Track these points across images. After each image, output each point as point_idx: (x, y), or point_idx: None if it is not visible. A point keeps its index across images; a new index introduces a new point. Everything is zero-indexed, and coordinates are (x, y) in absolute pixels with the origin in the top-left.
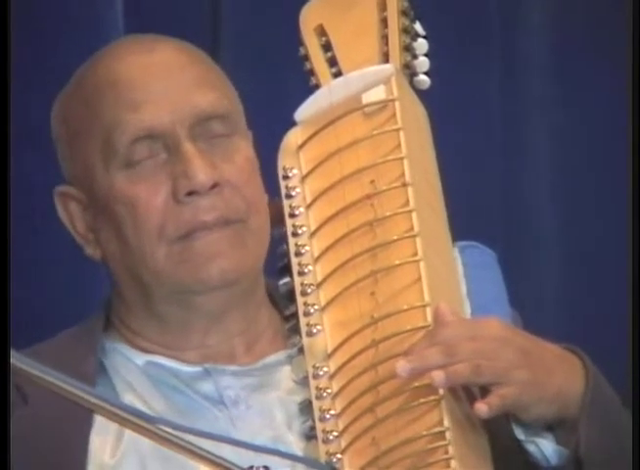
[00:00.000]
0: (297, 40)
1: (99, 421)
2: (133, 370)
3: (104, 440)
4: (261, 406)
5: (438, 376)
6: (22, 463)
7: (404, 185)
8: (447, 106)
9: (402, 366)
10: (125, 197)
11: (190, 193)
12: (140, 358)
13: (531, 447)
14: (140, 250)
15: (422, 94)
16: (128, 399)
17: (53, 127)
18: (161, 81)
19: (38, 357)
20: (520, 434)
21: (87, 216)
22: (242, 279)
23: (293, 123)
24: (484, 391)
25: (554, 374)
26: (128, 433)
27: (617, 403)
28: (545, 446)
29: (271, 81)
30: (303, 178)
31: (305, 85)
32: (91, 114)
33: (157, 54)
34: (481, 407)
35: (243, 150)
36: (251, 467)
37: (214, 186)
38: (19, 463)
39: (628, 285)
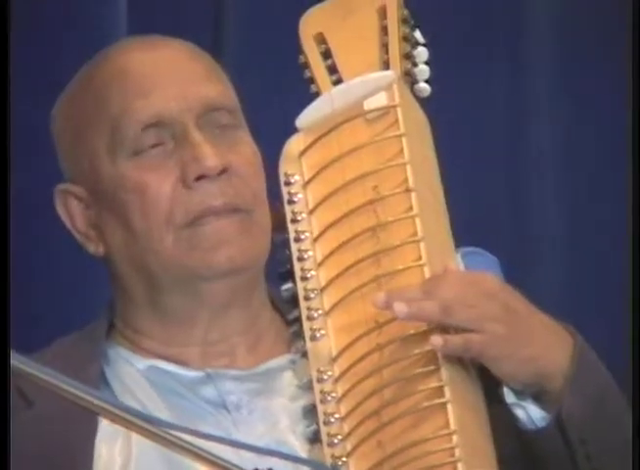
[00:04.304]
0: (299, 44)
1: (104, 424)
2: (134, 375)
3: (113, 443)
4: (264, 411)
5: (399, 305)
6: (26, 467)
7: (408, 190)
8: (452, 109)
9: (379, 297)
10: (134, 184)
11: (199, 178)
12: (142, 363)
13: (519, 412)
14: (147, 237)
15: (429, 98)
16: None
17: (56, 127)
18: (170, 72)
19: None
20: (509, 397)
21: (89, 214)
22: (247, 268)
23: (294, 129)
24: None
25: (535, 338)
26: (135, 436)
27: (607, 381)
28: (532, 410)
29: (273, 85)
30: (305, 184)
31: (308, 90)
32: (99, 105)
33: (164, 49)
34: (436, 339)
35: (248, 143)
36: (256, 469)
37: (223, 171)
38: (23, 467)
39: (631, 285)
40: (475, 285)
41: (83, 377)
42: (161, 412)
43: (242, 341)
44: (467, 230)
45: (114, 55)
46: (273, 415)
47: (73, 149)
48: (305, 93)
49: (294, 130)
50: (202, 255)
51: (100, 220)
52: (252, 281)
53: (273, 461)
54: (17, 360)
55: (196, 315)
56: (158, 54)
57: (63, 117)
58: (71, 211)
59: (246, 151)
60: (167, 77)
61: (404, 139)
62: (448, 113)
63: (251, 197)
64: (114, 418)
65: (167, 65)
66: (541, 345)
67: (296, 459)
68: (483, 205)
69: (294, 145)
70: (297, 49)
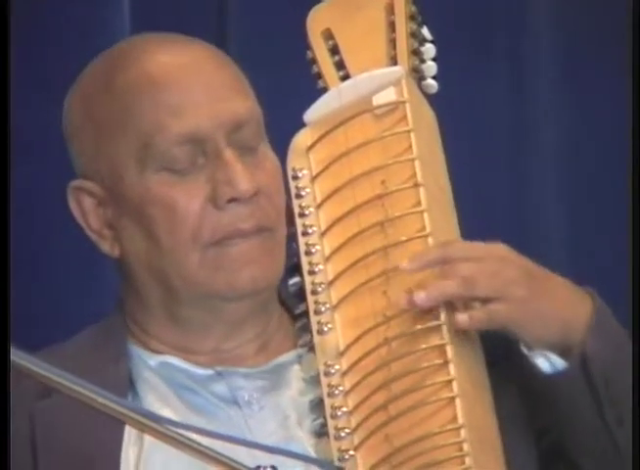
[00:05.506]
0: (305, 39)
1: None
2: (149, 372)
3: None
4: (274, 407)
5: (419, 296)
6: (47, 453)
7: (416, 186)
8: (456, 109)
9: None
10: (162, 199)
11: (231, 200)
12: (153, 359)
13: (540, 360)
14: (172, 253)
15: (432, 98)
16: (150, 400)
17: (69, 120)
18: (200, 84)
19: (59, 360)
20: (527, 350)
21: (103, 212)
22: (268, 288)
23: (302, 124)
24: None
25: (557, 296)
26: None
27: (624, 332)
28: (553, 357)
29: (279, 81)
30: (313, 179)
31: (314, 85)
32: (126, 113)
33: (190, 54)
34: (462, 318)
35: (271, 158)
36: (259, 467)
37: (255, 194)
38: (43, 453)
39: (631, 285)
40: (489, 253)
41: (112, 377)
42: (176, 408)
43: (254, 345)
44: (468, 229)
45: (139, 57)
46: (283, 411)
47: (94, 148)
48: (313, 88)
49: (301, 125)
50: (226, 276)
51: (118, 223)
52: (270, 296)
53: (279, 459)
54: (17, 357)
55: (211, 328)
56: (185, 61)
57: (81, 113)
58: (85, 208)
59: (271, 167)
60: (198, 91)
61: (412, 135)
62: (450, 113)
63: (275, 215)
64: (117, 415)
65: (196, 75)
66: (563, 302)
67: (304, 458)
68: (484, 204)
69: (301, 139)
70: (305, 45)
